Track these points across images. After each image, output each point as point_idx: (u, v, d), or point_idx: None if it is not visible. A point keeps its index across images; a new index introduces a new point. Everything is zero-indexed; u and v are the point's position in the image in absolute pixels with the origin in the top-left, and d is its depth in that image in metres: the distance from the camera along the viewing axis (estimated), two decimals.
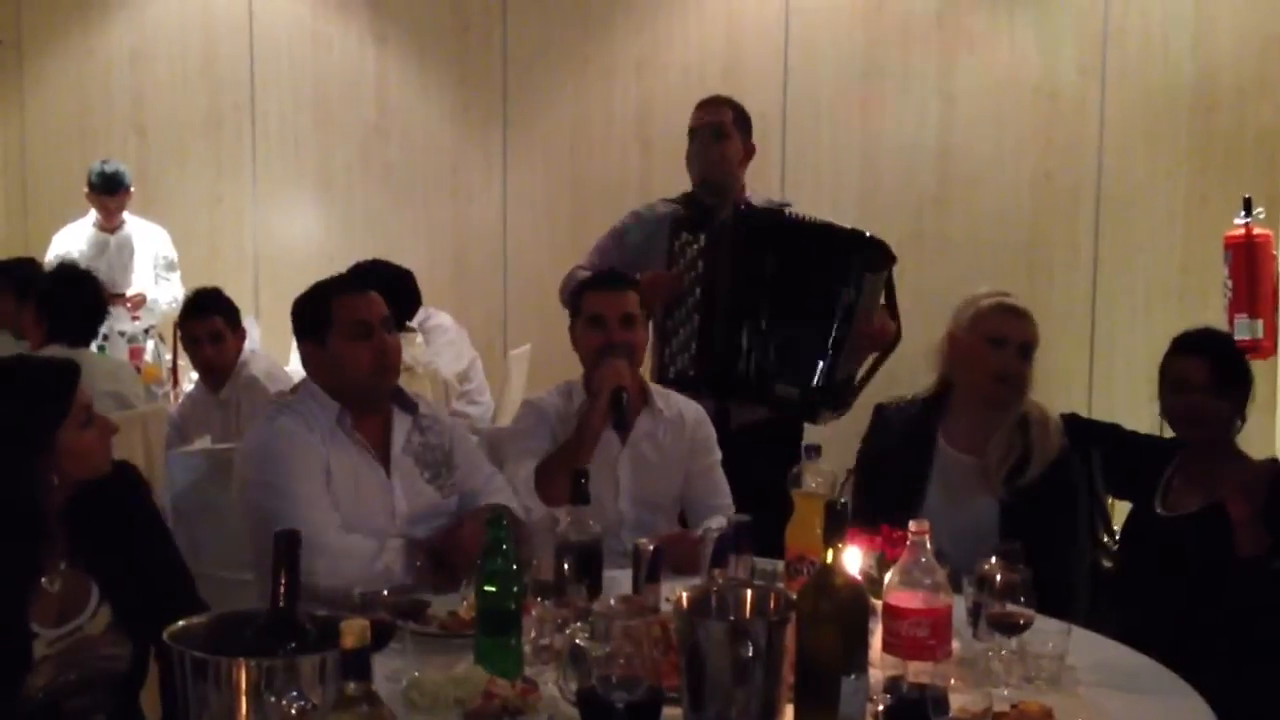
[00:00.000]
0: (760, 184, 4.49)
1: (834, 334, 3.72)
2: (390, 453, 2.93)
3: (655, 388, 3.39)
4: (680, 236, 3.93)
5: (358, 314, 2.88)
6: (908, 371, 3.48)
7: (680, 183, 4.17)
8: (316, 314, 2.89)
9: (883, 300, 3.88)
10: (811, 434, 3.29)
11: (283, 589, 1.78)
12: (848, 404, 3.85)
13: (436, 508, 2.96)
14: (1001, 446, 3.14)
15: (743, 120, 4.18)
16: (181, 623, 1.85)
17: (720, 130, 4.10)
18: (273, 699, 1.66)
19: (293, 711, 1.64)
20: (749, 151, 4.18)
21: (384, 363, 2.91)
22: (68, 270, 5.01)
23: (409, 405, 3.00)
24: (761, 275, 3.78)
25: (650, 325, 3.69)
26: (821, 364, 3.73)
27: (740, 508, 3.12)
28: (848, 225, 3.85)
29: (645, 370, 3.47)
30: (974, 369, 3.19)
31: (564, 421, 3.26)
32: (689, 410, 3.37)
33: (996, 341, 3.16)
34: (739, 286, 3.82)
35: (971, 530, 2.97)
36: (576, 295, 3.37)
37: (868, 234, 3.81)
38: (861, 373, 3.93)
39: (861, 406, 3.63)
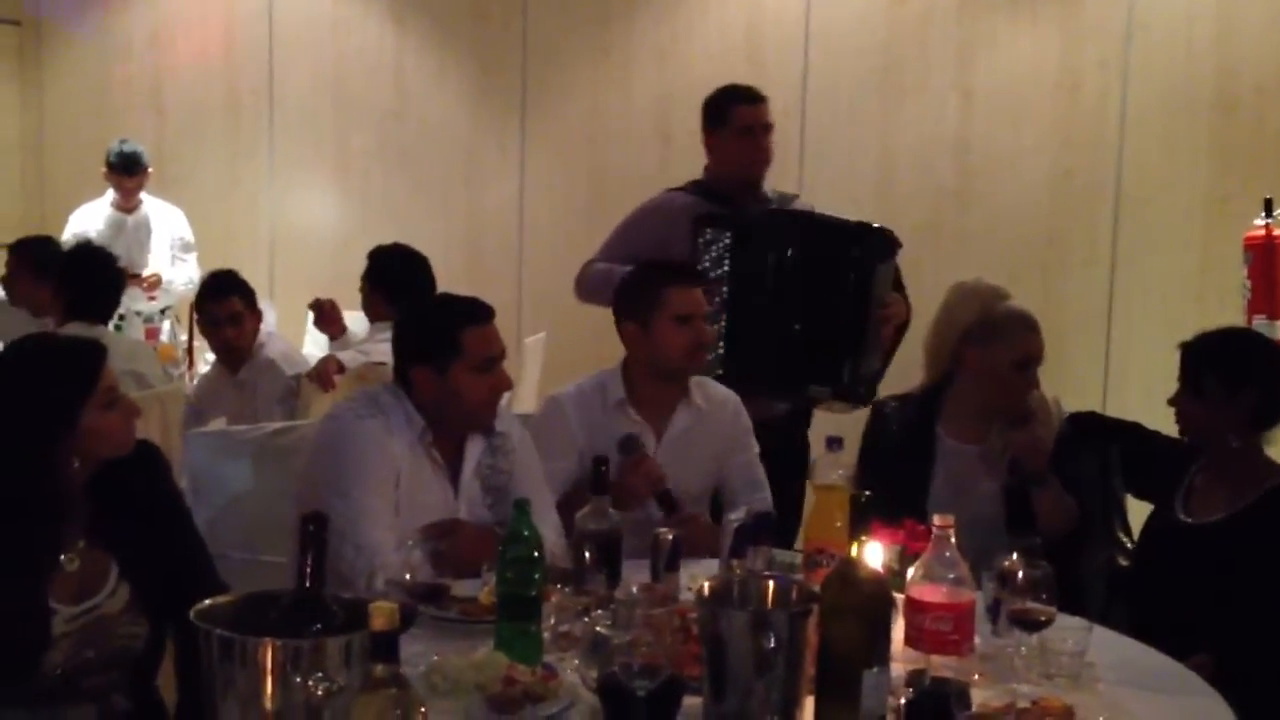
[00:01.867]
0: (779, 176, 4.46)
1: (858, 329, 3.70)
2: (460, 475, 2.87)
3: (691, 379, 3.28)
4: (705, 233, 3.83)
5: (490, 350, 2.81)
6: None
7: (698, 174, 4.12)
8: (444, 342, 2.79)
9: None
10: (821, 428, 3.26)
11: (309, 570, 1.78)
12: (874, 396, 3.79)
13: None
14: (1005, 433, 3.13)
15: None
16: (209, 601, 1.85)
17: (770, 127, 4.07)
18: (299, 679, 1.67)
19: (319, 692, 1.65)
20: None
21: (497, 396, 2.86)
22: (86, 249, 5.03)
23: (488, 427, 2.91)
24: (790, 274, 3.72)
25: None
26: (849, 361, 3.70)
27: None
28: (858, 217, 3.84)
29: None
30: (998, 393, 3.15)
31: (588, 425, 3.16)
32: (728, 402, 3.32)
33: (1022, 365, 3.13)
34: (768, 285, 3.74)
35: (979, 520, 2.96)
36: (653, 288, 3.21)
37: (874, 225, 3.80)
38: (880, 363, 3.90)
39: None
